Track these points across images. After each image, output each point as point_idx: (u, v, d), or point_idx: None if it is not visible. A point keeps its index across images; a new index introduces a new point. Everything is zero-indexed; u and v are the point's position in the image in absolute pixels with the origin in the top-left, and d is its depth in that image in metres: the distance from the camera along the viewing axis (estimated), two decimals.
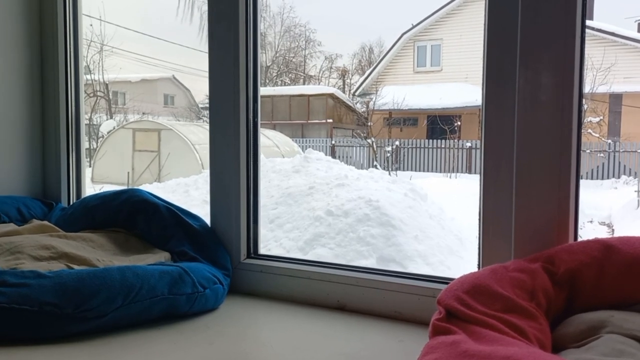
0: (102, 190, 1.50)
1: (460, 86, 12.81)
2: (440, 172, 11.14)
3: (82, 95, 1.68)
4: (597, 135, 10.26)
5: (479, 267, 1.04)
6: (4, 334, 0.95)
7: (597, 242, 0.87)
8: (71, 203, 1.62)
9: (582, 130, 1.00)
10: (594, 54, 9.61)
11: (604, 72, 9.75)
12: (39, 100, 1.62)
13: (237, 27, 1.29)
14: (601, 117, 10.43)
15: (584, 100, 1.00)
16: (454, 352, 0.66)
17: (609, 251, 0.85)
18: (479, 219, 1.04)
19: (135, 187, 1.45)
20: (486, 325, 0.72)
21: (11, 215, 1.43)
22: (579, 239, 0.95)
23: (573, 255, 0.86)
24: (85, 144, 1.71)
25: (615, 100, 11.15)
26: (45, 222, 1.39)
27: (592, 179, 9.62)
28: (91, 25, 11.77)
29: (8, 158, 1.56)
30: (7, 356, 0.91)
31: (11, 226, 1.37)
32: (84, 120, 1.69)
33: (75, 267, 1.15)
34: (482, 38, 1.04)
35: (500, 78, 0.99)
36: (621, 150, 9.96)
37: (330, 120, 14.01)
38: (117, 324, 1.01)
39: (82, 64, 1.68)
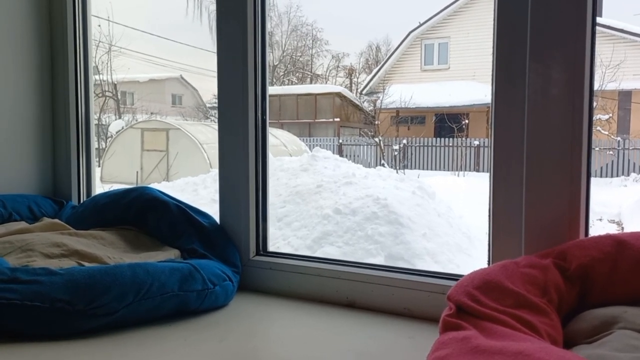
0: (111, 189, 1.51)
1: (467, 84, 12.77)
2: (448, 170, 11.10)
3: (92, 95, 1.69)
4: (606, 132, 10.19)
5: (489, 263, 1.04)
6: (16, 330, 0.96)
7: (609, 237, 0.87)
8: (81, 201, 1.63)
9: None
10: (603, 51, 9.54)
11: (613, 69, 9.68)
12: (49, 100, 1.64)
13: (245, 25, 1.29)
14: (610, 115, 10.35)
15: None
16: (465, 347, 0.66)
17: (621, 246, 0.84)
18: (489, 215, 1.04)
19: (145, 185, 1.46)
20: (497, 321, 0.72)
21: (22, 214, 1.44)
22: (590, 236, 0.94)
23: (585, 251, 0.85)
24: (94, 143, 1.72)
25: (625, 97, 11.06)
26: (56, 220, 1.40)
27: (601, 176, 9.56)
28: (99, 25, 11.84)
29: (19, 157, 1.57)
30: (18, 352, 0.92)
31: (22, 224, 1.38)
32: (93, 120, 1.70)
33: (86, 264, 1.15)
34: (489, 36, 1.03)
35: (510, 73, 0.99)
36: (631, 148, 9.89)
37: (338, 119, 14.01)
38: (128, 321, 1.02)
39: (92, 64, 1.69)
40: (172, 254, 1.25)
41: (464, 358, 0.64)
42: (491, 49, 1.03)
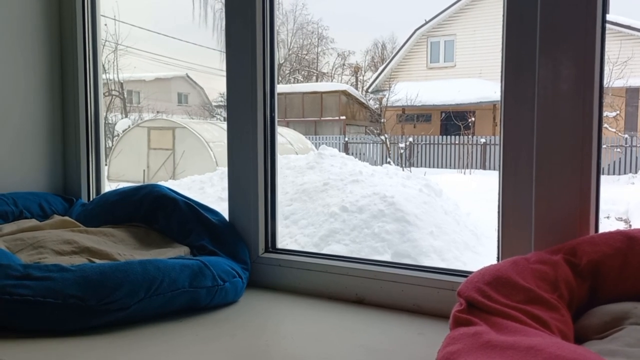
0: (120, 187, 1.52)
1: (474, 82, 12.74)
2: (455, 168, 11.08)
3: (101, 94, 1.70)
4: (614, 130, 10.14)
5: (498, 260, 1.04)
6: (29, 326, 0.97)
7: (619, 233, 0.87)
8: (91, 199, 1.64)
9: None
10: (611, 48, 9.49)
11: (621, 66, 9.63)
12: (59, 99, 1.65)
13: (254, 24, 1.29)
14: (618, 112, 10.30)
15: None
16: (477, 342, 0.66)
17: (632, 242, 0.84)
18: (498, 211, 1.04)
19: (155, 183, 1.47)
20: (508, 316, 0.72)
21: (33, 211, 1.45)
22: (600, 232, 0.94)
23: (595, 247, 0.85)
24: (104, 141, 1.73)
25: (632, 94, 11.00)
26: (67, 218, 1.41)
27: (609, 174, 9.51)
28: (106, 25, 11.89)
29: (30, 155, 1.59)
30: (31, 348, 0.93)
31: (33, 222, 1.39)
32: (102, 119, 1.72)
33: (97, 261, 1.16)
34: (496, 33, 1.04)
35: (520, 68, 0.99)
36: (638, 145, 9.83)
37: (344, 117, 14.02)
38: (139, 317, 1.02)
39: (100, 63, 1.70)
40: (181, 250, 1.26)
41: (475, 353, 0.64)
42: (498, 46, 1.03)
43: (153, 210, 1.37)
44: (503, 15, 1.00)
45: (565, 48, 0.94)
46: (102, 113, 1.72)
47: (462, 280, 0.84)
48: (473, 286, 0.77)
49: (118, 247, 1.26)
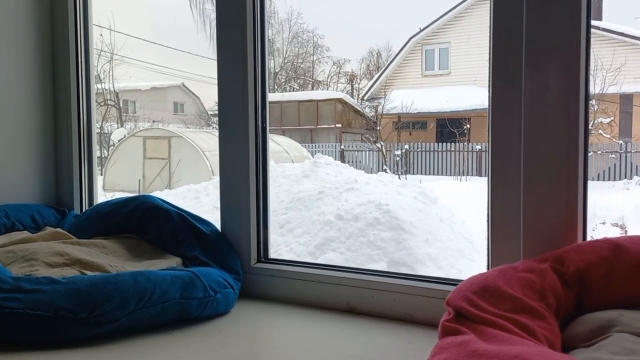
0: (113, 198, 1.52)
1: (469, 89, 12.78)
2: (450, 175, 11.10)
3: (94, 104, 1.70)
4: (608, 136, 10.18)
5: (488, 268, 1.05)
6: (20, 338, 0.97)
7: (606, 241, 0.88)
8: (83, 210, 1.64)
9: (593, 132, 1.00)
10: (604, 55, 9.55)
11: (614, 72, 9.68)
12: (51, 110, 1.65)
13: (244, 33, 1.30)
14: (612, 118, 10.34)
15: (594, 101, 1.00)
16: (463, 351, 0.67)
17: (618, 250, 0.85)
18: (488, 220, 1.05)
19: (147, 194, 1.47)
20: (495, 325, 0.73)
21: (25, 223, 1.45)
22: (589, 239, 0.95)
23: (582, 255, 0.86)
24: (96, 152, 1.73)
25: (626, 100, 11.05)
26: (59, 229, 1.41)
27: (603, 180, 9.53)
28: (101, 35, 11.91)
29: (22, 167, 1.59)
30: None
31: (25, 233, 1.39)
32: (95, 129, 1.72)
33: (89, 273, 1.16)
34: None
35: (506, 80, 1.00)
36: (633, 151, 9.86)
37: (339, 125, 14.03)
38: (130, 329, 1.03)
39: (93, 73, 1.70)
40: (173, 261, 1.26)
41: None
42: None
43: (145, 221, 1.37)
44: (489, 27, 1.01)
45: (551, 59, 0.95)
46: (95, 124, 1.73)
47: (453, 289, 0.85)
48: (461, 295, 0.78)
49: (110, 259, 1.26)
